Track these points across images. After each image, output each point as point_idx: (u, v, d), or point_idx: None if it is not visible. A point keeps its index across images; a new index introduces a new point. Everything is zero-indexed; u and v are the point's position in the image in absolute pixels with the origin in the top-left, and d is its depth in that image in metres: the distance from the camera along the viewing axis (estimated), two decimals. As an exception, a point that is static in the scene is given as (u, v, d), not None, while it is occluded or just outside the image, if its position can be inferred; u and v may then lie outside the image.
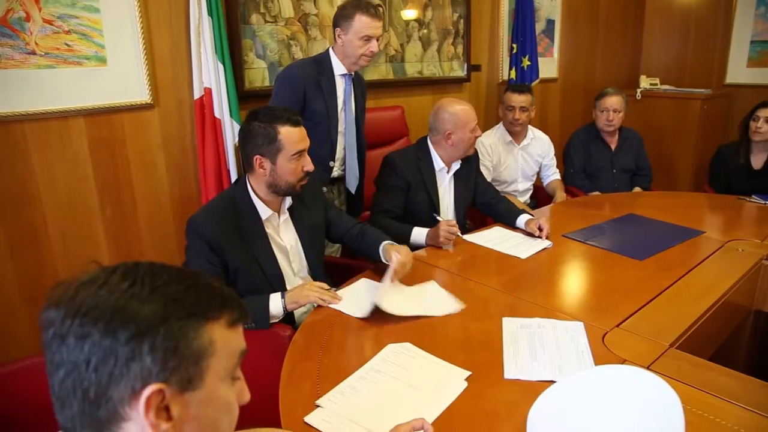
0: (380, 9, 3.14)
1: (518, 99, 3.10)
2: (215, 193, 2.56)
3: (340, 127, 2.46)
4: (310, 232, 1.94)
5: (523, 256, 2.08)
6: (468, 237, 2.27)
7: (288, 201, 1.86)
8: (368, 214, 2.45)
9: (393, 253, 1.81)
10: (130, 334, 0.59)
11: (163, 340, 0.61)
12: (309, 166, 1.78)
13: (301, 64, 2.41)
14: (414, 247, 2.18)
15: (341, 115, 2.45)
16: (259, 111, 1.76)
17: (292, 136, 1.72)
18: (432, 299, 1.72)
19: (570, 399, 1.09)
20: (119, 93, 2.36)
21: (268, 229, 1.82)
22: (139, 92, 2.41)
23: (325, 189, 2.38)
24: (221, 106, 2.54)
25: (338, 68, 2.39)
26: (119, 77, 2.35)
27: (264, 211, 1.80)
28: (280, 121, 1.71)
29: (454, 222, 2.18)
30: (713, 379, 1.29)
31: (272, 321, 1.66)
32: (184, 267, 1.70)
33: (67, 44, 2.19)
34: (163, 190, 2.58)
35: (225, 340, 0.66)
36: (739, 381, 1.29)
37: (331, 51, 2.41)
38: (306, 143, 1.78)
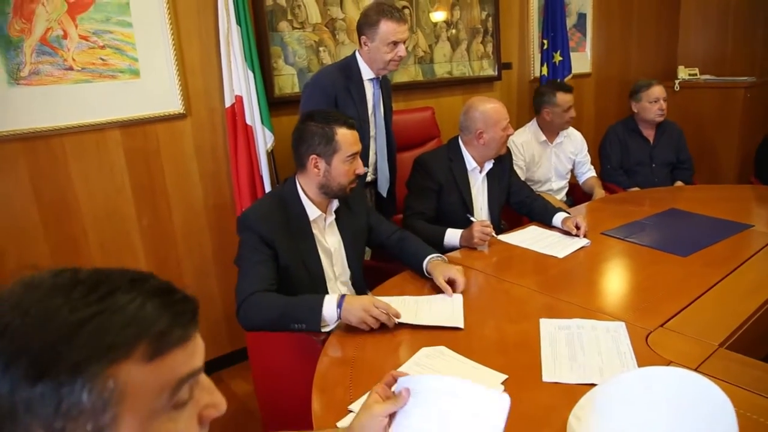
0: (405, 12, 3.12)
1: (571, 98, 3.05)
2: (249, 200, 2.58)
3: (371, 132, 2.45)
4: (353, 237, 1.96)
5: (560, 255, 2.03)
6: (503, 237, 2.23)
7: (335, 203, 1.88)
8: (401, 216, 2.43)
9: (450, 275, 1.75)
10: (6, 391, 0.49)
11: (41, 399, 0.49)
12: (360, 168, 1.81)
13: (329, 71, 2.38)
14: (448, 249, 2.16)
15: (371, 120, 2.43)
16: (314, 113, 1.81)
17: (347, 138, 1.76)
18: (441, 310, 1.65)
19: (612, 403, 1.04)
20: (153, 104, 2.41)
21: (315, 230, 1.84)
22: (171, 103, 2.46)
23: None
24: (252, 113, 2.57)
25: (366, 73, 2.37)
26: (152, 89, 2.40)
27: (312, 212, 1.82)
28: (338, 123, 1.76)
29: (488, 222, 2.15)
30: (766, 380, 1.22)
31: (324, 328, 1.55)
32: (237, 264, 1.63)
33: (102, 59, 2.24)
34: (198, 198, 2.61)
35: (144, 378, 0.53)
36: (795, 382, 1.22)
37: (357, 55, 2.38)
38: (359, 147, 1.81)
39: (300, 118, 1.82)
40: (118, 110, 2.32)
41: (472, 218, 2.23)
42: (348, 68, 2.36)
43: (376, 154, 2.49)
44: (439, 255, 1.91)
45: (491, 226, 2.13)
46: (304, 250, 1.80)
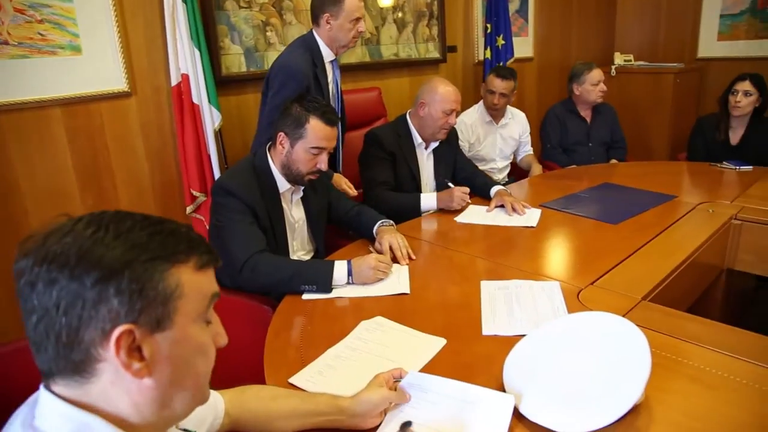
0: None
1: (500, 85, 3.15)
2: (197, 178, 2.58)
3: None
4: (317, 214, 2.02)
5: (534, 223, 2.13)
6: (463, 219, 2.25)
7: None
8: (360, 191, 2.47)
9: (385, 242, 1.85)
10: (96, 278, 0.61)
11: (129, 283, 0.62)
12: (323, 165, 1.84)
13: (299, 59, 2.24)
14: (421, 213, 2.34)
15: (333, 103, 2.43)
16: (305, 97, 1.84)
17: (318, 131, 1.79)
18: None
19: (542, 344, 1.14)
20: (96, 82, 2.37)
21: (284, 203, 1.90)
22: (115, 80, 2.42)
23: None
24: (199, 92, 2.55)
25: (327, 55, 2.32)
26: (95, 66, 2.36)
27: (282, 185, 1.87)
28: (316, 113, 1.78)
29: (467, 189, 2.31)
30: (681, 325, 1.34)
31: (334, 286, 1.65)
32: (219, 227, 1.76)
33: (40, 34, 2.19)
34: (144, 176, 2.59)
35: (193, 283, 0.68)
36: (705, 326, 1.36)
37: (316, 36, 2.30)
38: (330, 144, 1.83)
39: (292, 98, 1.86)
40: (59, 88, 2.27)
41: (450, 184, 2.37)
42: (312, 52, 2.29)
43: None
44: (389, 221, 2.00)
45: (468, 189, 2.31)
46: (275, 220, 1.86)
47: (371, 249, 1.91)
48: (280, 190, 1.87)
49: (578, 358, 1.06)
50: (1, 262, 2.17)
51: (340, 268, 1.66)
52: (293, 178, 1.86)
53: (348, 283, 1.66)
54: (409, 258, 1.83)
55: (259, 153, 1.89)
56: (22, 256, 0.63)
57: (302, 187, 1.94)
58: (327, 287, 1.63)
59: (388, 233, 1.89)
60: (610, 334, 1.08)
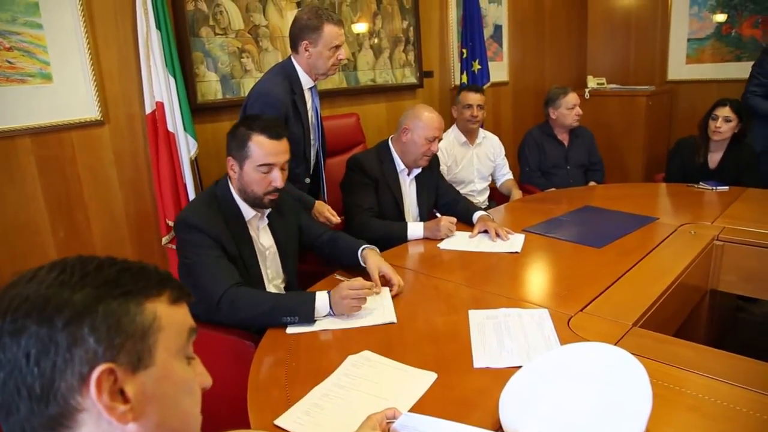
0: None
1: (474, 97, 3.17)
2: (173, 208, 2.51)
3: (312, 142, 2.43)
4: (286, 240, 1.95)
5: (518, 248, 2.11)
6: (447, 245, 2.22)
7: None
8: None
9: (384, 271, 1.80)
10: (67, 319, 0.57)
11: (104, 318, 0.58)
12: (277, 182, 1.75)
13: (280, 84, 2.22)
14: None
15: (312, 130, 2.40)
16: (249, 117, 1.80)
17: (263, 148, 1.72)
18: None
19: (539, 378, 1.10)
20: (67, 110, 2.29)
21: (251, 231, 1.83)
22: (87, 109, 2.35)
23: None
24: (174, 120, 2.50)
25: (305, 82, 2.29)
26: (66, 94, 2.28)
27: (247, 212, 1.81)
28: (257, 129, 1.72)
29: (454, 219, 2.28)
30: (674, 352, 1.32)
31: (316, 317, 1.58)
32: (188, 265, 1.66)
33: (9, 61, 2.12)
34: (118, 207, 2.51)
35: (170, 316, 0.65)
36: (698, 352, 1.34)
37: (294, 63, 2.28)
38: (278, 159, 1.75)
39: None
40: (29, 116, 2.19)
41: (437, 214, 2.37)
42: (290, 79, 2.26)
43: (314, 159, 2.49)
44: (372, 246, 1.94)
45: (455, 219, 2.28)
46: (244, 251, 1.79)
47: (338, 277, 1.86)
48: (246, 218, 1.81)
49: (577, 392, 1.02)
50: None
51: (321, 297, 1.60)
52: (252, 201, 1.79)
53: (329, 314, 1.60)
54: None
55: (221, 182, 1.83)
56: None
57: (267, 213, 1.88)
58: (309, 318, 1.57)
59: (375, 257, 1.86)
60: (608, 366, 1.05)
